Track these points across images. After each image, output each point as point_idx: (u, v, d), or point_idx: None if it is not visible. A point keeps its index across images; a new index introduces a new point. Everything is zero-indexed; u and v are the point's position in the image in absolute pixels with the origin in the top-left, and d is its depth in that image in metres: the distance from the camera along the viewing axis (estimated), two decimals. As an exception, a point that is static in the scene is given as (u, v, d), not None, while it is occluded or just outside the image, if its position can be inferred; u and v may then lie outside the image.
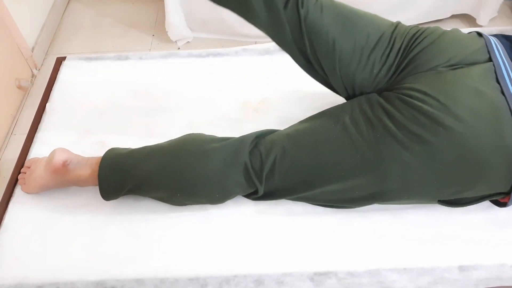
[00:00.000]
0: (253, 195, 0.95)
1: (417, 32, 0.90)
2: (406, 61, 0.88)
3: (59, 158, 0.96)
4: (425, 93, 0.81)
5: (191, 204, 0.97)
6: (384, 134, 0.82)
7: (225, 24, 1.94)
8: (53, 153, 0.98)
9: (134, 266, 0.89)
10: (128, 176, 0.93)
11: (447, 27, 0.96)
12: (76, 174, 0.96)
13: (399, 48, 0.89)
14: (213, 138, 0.94)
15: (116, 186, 0.94)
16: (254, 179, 0.90)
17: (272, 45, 1.31)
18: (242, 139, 0.93)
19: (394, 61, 0.89)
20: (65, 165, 0.96)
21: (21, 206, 1.00)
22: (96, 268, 0.89)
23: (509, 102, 0.79)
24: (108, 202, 0.98)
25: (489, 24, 1.97)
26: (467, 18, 2.03)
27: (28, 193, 1.01)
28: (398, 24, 0.93)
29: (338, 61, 0.90)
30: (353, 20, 0.91)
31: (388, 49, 0.89)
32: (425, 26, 0.94)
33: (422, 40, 0.88)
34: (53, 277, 0.88)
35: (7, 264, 0.91)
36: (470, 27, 1.93)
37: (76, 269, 0.89)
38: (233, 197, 0.95)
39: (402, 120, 0.81)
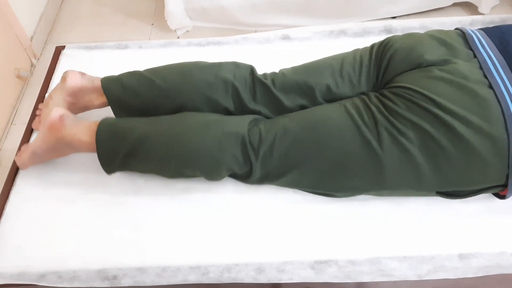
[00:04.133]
0: (249, 178, 0.94)
1: (383, 41, 0.98)
2: (384, 64, 0.94)
3: (56, 113, 0.95)
4: (410, 89, 0.86)
5: (184, 176, 0.96)
6: (382, 118, 0.85)
7: (225, 12, 1.93)
8: (52, 105, 0.99)
9: (136, 255, 0.90)
10: (126, 137, 0.92)
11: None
12: (72, 132, 0.94)
13: (370, 57, 0.96)
14: (213, 113, 0.97)
15: (113, 147, 0.93)
16: (251, 154, 0.89)
17: (273, 34, 1.30)
18: (243, 116, 0.95)
19: (369, 67, 0.96)
20: (61, 120, 0.94)
21: (22, 195, 1.00)
22: (98, 257, 0.90)
23: (497, 94, 0.81)
24: (108, 191, 0.98)
25: (491, 12, 1.96)
26: (469, 6, 2.02)
27: (21, 166, 1.01)
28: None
29: (319, 95, 0.96)
30: (312, 63, 1.01)
31: (358, 61, 0.97)
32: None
33: (393, 44, 0.94)
34: (55, 266, 0.89)
35: (9, 254, 0.91)
36: (472, 15, 1.91)
37: (78, 258, 0.90)
38: (228, 173, 0.94)
39: (396, 108, 0.85)
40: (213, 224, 0.93)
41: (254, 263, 0.88)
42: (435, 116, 0.81)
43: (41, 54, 1.95)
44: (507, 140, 0.79)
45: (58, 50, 1.32)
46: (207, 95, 0.97)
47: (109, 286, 0.88)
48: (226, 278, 0.87)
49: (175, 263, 0.88)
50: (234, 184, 0.98)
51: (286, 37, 1.30)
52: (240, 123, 0.92)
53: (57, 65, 1.28)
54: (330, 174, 0.89)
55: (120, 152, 0.93)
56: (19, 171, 1.04)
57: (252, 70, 1.00)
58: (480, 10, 1.96)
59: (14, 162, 1.06)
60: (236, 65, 1.01)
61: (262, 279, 0.88)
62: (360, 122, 0.86)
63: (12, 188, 1.02)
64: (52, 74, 1.25)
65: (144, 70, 1.02)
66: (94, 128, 0.94)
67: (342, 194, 0.93)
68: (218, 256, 0.89)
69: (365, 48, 1.00)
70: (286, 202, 0.96)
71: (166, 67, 1.02)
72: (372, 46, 0.99)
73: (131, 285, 0.88)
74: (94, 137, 0.93)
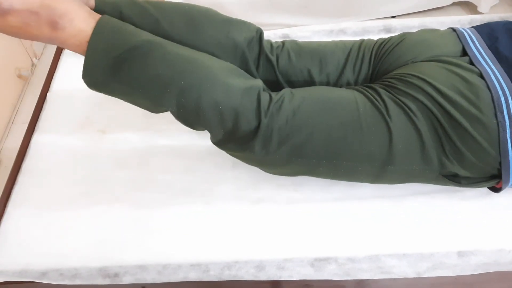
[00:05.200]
0: (250, 143, 0.84)
1: (384, 41, 0.98)
2: (378, 66, 0.96)
3: None
4: (402, 73, 0.89)
5: (179, 112, 0.83)
6: (383, 91, 0.87)
7: (224, 11, 1.92)
8: None
9: (136, 252, 0.90)
10: (133, 35, 0.79)
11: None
12: (69, 7, 0.77)
13: (370, 59, 0.97)
14: None
15: (111, 43, 0.78)
16: (262, 110, 0.82)
17: (272, 33, 1.31)
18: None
19: (368, 70, 0.97)
20: None
21: (24, 194, 1.00)
22: (99, 255, 0.90)
23: (488, 82, 0.83)
24: (109, 189, 0.99)
25: (490, 11, 1.96)
26: (468, 6, 2.02)
27: None
28: (364, 40, 1.01)
29: (317, 83, 0.97)
30: (319, 48, 0.98)
31: (359, 62, 0.97)
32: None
33: (390, 45, 0.96)
34: (57, 263, 0.90)
35: (10, 251, 0.92)
36: (471, 14, 1.92)
37: (79, 255, 0.90)
38: (231, 124, 0.82)
39: (393, 85, 0.87)
40: (213, 221, 0.94)
41: (254, 261, 0.88)
42: (428, 93, 0.83)
43: (42, 53, 1.95)
44: (496, 127, 0.80)
45: (60, 50, 1.33)
46: (215, 55, 0.89)
47: (110, 283, 0.89)
48: (226, 276, 0.88)
49: (176, 260, 0.89)
50: (235, 182, 0.99)
51: (286, 36, 1.30)
52: (257, 79, 0.89)
53: (58, 64, 1.28)
54: (339, 137, 0.83)
55: (117, 50, 0.77)
56: (20, 170, 1.05)
57: (260, 36, 0.96)
58: (479, 9, 1.96)
59: (16, 162, 1.06)
60: (246, 26, 0.94)
61: (262, 277, 0.88)
62: (366, 92, 0.87)
63: (14, 186, 1.02)
64: (53, 74, 1.26)
65: (146, 3, 0.89)
66: (96, 17, 0.79)
67: (345, 165, 0.86)
68: (219, 254, 0.89)
69: (369, 44, 0.99)
70: (286, 200, 0.96)
71: (174, 7, 0.90)
72: (375, 44, 0.99)
73: (132, 282, 0.89)
74: (92, 25, 0.78)
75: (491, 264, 0.88)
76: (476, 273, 0.89)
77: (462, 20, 1.29)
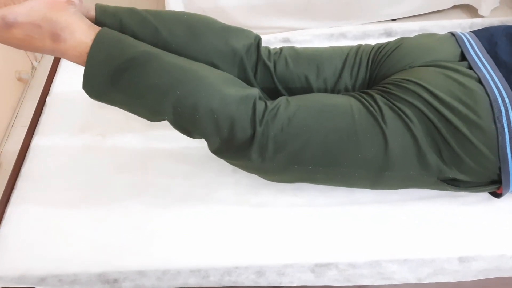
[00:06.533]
0: (246, 150, 0.84)
1: (381, 45, 0.98)
2: (376, 71, 0.95)
3: None
4: (399, 78, 0.88)
5: (176, 121, 0.85)
6: (380, 97, 0.87)
7: (225, 14, 1.92)
8: None
9: (136, 258, 0.90)
10: (131, 47, 0.82)
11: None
12: (70, 20, 0.80)
13: (367, 64, 0.97)
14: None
15: (110, 54, 0.80)
16: (257, 119, 0.83)
17: (273, 36, 1.31)
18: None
19: (365, 75, 0.97)
20: (68, 3, 0.81)
21: (23, 198, 1.00)
22: (99, 260, 0.90)
23: (486, 87, 0.82)
24: (109, 194, 0.99)
25: (491, 14, 1.96)
26: (469, 9, 2.02)
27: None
28: (361, 45, 1.01)
29: (315, 89, 0.97)
30: (316, 54, 0.98)
31: (356, 67, 0.97)
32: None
33: (387, 50, 0.96)
34: (56, 269, 0.89)
35: (10, 256, 0.91)
36: (472, 17, 1.91)
37: (79, 261, 0.90)
38: (227, 132, 0.83)
39: (389, 90, 0.87)
40: (213, 227, 0.93)
41: (254, 266, 0.88)
42: (424, 99, 0.83)
43: (42, 56, 1.95)
44: (495, 132, 0.80)
45: (59, 53, 1.32)
46: (214, 62, 0.91)
47: (109, 289, 0.89)
48: (226, 282, 0.88)
49: (176, 266, 0.89)
50: (235, 186, 0.99)
51: (286, 40, 1.30)
52: (254, 88, 0.89)
53: (58, 67, 1.28)
54: (334, 143, 0.83)
55: (116, 61, 0.80)
56: (20, 174, 1.04)
57: (258, 43, 0.96)
58: (480, 12, 1.96)
59: (15, 165, 1.06)
60: (244, 34, 0.96)
61: (263, 283, 0.88)
62: (362, 99, 0.87)
63: (13, 191, 1.02)
64: (53, 77, 1.26)
65: (146, 12, 0.90)
66: (96, 30, 0.82)
67: (342, 172, 0.85)
68: (219, 259, 0.89)
69: (367, 49, 0.99)
70: (286, 205, 0.96)
71: (173, 16, 0.92)
72: (372, 49, 0.99)
73: (132, 288, 0.89)
74: (92, 37, 0.81)
75: (492, 270, 0.88)
76: (477, 279, 0.89)
77: (463, 24, 1.30)
